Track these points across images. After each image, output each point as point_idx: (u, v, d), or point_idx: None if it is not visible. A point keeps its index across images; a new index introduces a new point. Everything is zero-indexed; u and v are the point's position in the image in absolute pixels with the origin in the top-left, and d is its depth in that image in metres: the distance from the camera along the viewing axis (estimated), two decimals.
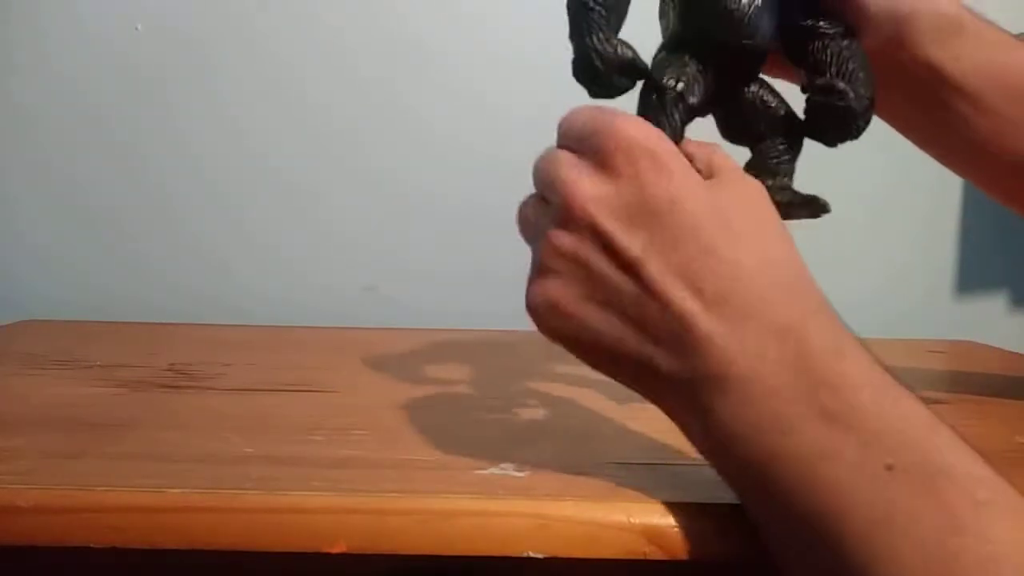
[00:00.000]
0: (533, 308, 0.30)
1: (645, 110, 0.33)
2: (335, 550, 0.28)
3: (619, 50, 0.32)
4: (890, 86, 0.37)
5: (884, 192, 0.79)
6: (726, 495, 0.29)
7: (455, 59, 0.77)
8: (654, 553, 0.28)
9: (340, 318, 0.76)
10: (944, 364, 0.67)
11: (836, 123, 0.33)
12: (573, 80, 0.35)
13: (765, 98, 0.35)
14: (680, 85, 0.32)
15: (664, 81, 0.32)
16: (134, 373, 0.52)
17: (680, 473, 0.32)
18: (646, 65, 0.33)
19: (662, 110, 0.32)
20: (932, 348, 0.71)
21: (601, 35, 0.32)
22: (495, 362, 0.57)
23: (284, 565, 0.30)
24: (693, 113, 0.33)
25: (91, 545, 0.28)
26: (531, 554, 0.28)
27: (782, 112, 0.35)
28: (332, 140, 0.78)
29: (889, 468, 0.23)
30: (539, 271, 0.29)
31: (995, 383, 0.55)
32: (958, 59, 0.37)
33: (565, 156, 0.29)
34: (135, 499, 0.29)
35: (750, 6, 0.32)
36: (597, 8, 0.32)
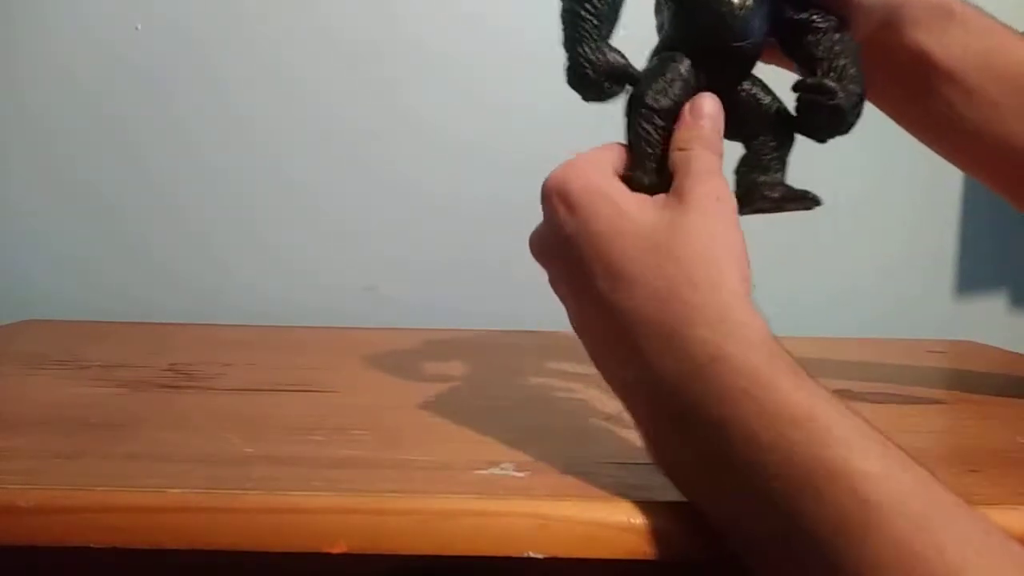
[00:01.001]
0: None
1: (627, 118, 0.34)
2: (335, 550, 0.28)
3: (610, 58, 0.33)
4: (881, 72, 0.37)
5: (883, 192, 0.79)
6: None
7: (457, 59, 0.77)
8: (654, 553, 0.28)
9: (340, 318, 0.76)
10: (944, 364, 0.67)
11: (825, 120, 0.34)
12: (569, 91, 0.35)
13: (758, 96, 0.35)
14: (650, 100, 0.33)
15: (638, 93, 0.33)
16: (134, 373, 0.52)
17: None
18: (636, 71, 0.34)
19: (636, 123, 0.33)
20: (932, 348, 0.71)
21: (593, 44, 0.33)
22: (495, 362, 0.57)
23: (284, 565, 0.30)
24: (675, 118, 0.34)
25: (91, 545, 0.28)
26: (531, 554, 0.28)
27: (774, 109, 0.35)
28: (333, 139, 0.78)
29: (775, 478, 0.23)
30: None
31: (995, 383, 0.55)
32: (947, 45, 0.37)
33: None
34: (135, 499, 0.29)
35: (741, 8, 0.32)
36: (589, 18, 0.33)
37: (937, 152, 0.43)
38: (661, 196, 0.31)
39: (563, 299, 0.33)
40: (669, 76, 0.33)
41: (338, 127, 0.78)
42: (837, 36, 0.34)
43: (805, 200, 0.36)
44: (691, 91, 0.34)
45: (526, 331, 0.71)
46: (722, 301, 0.27)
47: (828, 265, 0.78)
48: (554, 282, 0.33)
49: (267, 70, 0.77)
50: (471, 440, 0.37)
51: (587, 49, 0.33)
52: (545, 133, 0.74)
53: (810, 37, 0.34)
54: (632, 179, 0.32)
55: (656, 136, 0.33)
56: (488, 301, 0.77)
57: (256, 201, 0.78)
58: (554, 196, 0.31)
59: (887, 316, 0.78)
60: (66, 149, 0.78)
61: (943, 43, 0.37)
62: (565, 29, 0.34)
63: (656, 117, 0.33)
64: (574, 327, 0.32)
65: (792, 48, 0.36)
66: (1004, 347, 0.72)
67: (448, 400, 0.46)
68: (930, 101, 0.39)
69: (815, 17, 0.35)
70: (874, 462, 0.23)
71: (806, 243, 0.77)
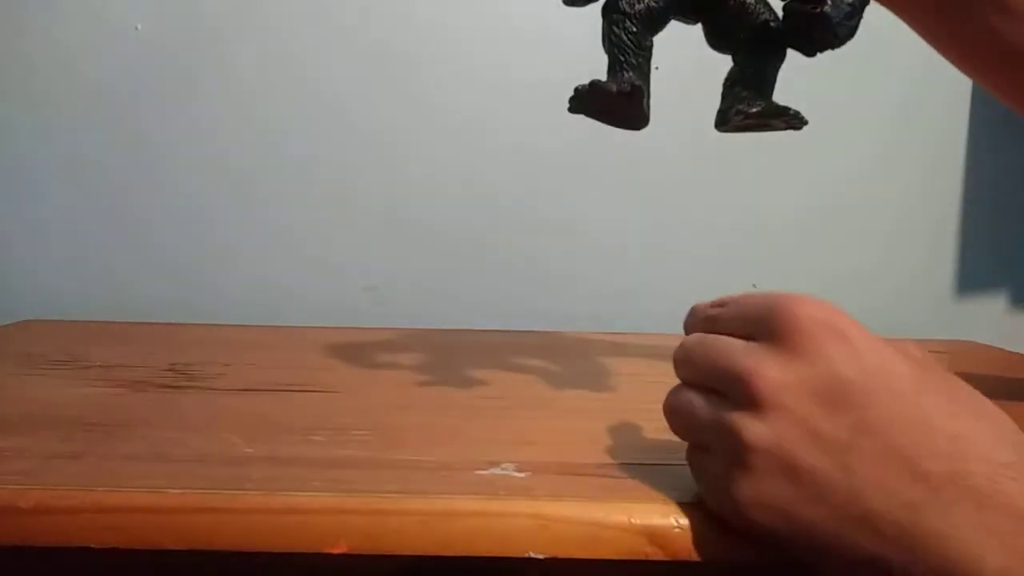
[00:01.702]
0: (744, 509, 0.26)
1: (603, 24, 0.33)
2: (335, 550, 0.28)
3: None
4: None
5: (883, 192, 0.79)
6: None
7: (457, 61, 0.77)
8: (655, 553, 0.28)
9: (340, 318, 0.76)
10: (944, 364, 0.67)
11: (813, 31, 0.32)
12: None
13: (747, 4, 0.34)
14: (625, 4, 0.32)
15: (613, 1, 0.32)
16: (134, 373, 0.52)
17: (680, 473, 0.32)
18: None
19: (610, 29, 0.32)
20: (932, 348, 0.71)
21: None
22: (495, 362, 0.57)
23: (284, 565, 0.30)
24: (654, 24, 0.32)
25: (91, 545, 0.28)
26: (531, 554, 0.28)
27: (762, 19, 0.34)
28: (333, 140, 0.78)
29: None
30: (741, 467, 0.26)
31: (995, 383, 0.55)
32: None
33: (735, 343, 0.28)
34: (135, 499, 0.29)
35: None
36: None
37: (965, 72, 0.41)
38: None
39: (832, 451, 0.25)
40: None
41: (339, 128, 0.78)
42: None
43: (787, 116, 0.34)
44: None
45: (526, 331, 0.71)
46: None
47: (827, 265, 0.78)
48: (832, 431, 0.25)
49: (268, 72, 0.77)
50: (471, 440, 0.37)
51: None
52: (546, 134, 0.75)
53: None
54: (602, 85, 0.31)
55: (628, 41, 0.31)
56: (489, 301, 0.77)
57: (256, 201, 0.78)
58: (827, 336, 0.26)
59: (887, 316, 0.78)
60: (67, 149, 0.78)
61: None
62: None
63: (629, 22, 0.31)
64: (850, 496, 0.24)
65: None
66: (1004, 347, 0.72)
67: (448, 400, 0.46)
68: (962, 18, 0.36)
69: None
70: None
71: (804, 243, 0.77)
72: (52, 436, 0.37)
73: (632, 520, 0.28)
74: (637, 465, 0.34)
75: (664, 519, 0.28)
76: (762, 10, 0.34)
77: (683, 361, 0.30)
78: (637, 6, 0.32)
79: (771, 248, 0.77)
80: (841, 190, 0.78)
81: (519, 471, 0.32)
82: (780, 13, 0.34)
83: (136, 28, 0.76)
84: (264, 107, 0.77)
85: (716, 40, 0.35)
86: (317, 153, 0.78)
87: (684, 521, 0.28)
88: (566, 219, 0.76)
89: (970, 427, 0.24)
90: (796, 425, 0.25)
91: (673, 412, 0.30)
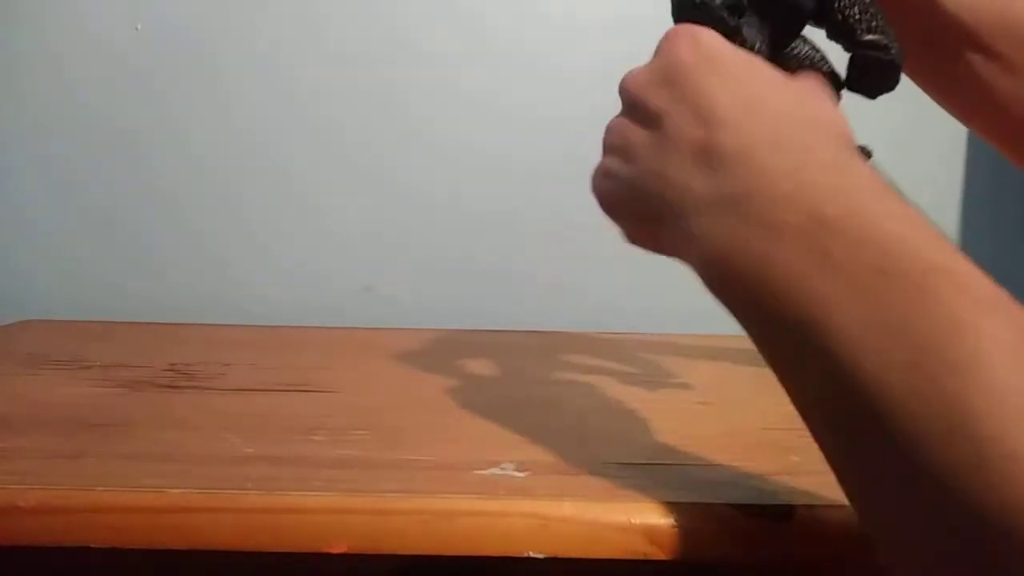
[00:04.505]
0: (593, 182, 0.33)
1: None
2: (336, 550, 0.28)
3: None
4: (901, 36, 0.36)
5: None
6: (726, 495, 0.29)
7: (455, 60, 0.77)
8: (654, 553, 0.28)
9: (340, 318, 0.76)
10: None
11: (881, 77, 0.34)
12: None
13: (810, 54, 0.35)
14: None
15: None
16: (134, 373, 0.52)
17: (680, 473, 0.32)
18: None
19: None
20: None
21: None
22: (495, 362, 0.57)
23: (284, 565, 0.30)
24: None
25: (91, 545, 0.28)
26: (531, 554, 0.28)
27: (825, 68, 0.35)
28: (332, 140, 0.78)
29: (880, 271, 0.23)
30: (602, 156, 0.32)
31: None
32: (963, 3, 0.36)
33: None
34: (135, 499, 0.29)
35: None
36: None
37: (951, 113, 0.41)
38: None
39: (650, 123, 0.29)
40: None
41: (338, 127, 0.78)
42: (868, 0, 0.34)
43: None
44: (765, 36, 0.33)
45: (526, 331, 0.71)
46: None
47: None
48: (644, 113, 0.30)
49: (266, 71, 0.77)
50: (471, 440, 0.37)
51: None
52: (545, 135, 0.75)
53: (842, 1, 0.34)
54: None
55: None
56: (488, 301, 0.77)
57: (256, 201, 0.78)
58: (682, 35, 0.29)
59: None
60: (66, 149, 0.78)
61: (961, 3, 0.36)
62: None
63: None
64: (652, 156, 0.29)
65: (825, 13, 0.35)
66: None
67: (448, 400, 0.46)
68: (944, 59, 0.37)
69: None
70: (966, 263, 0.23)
71: None
72: (52, 436, 0.37)
73: (631, 520, 0.28)
74: (637, 465, 0.34)
75: (664, 519, 0.28)
76: (821, 58, 0.35)
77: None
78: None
79: None
80: None
81: (519, 471, 0.32)
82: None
83: (136, 28, 0.76)
84: (265, 108, 0.77)
85: None
86: (316, 153, 0.78)
87: (683, 521, 0.28)
88: (567, 219, 0.76)
89: (771, 100, 0.28)
90: (632, 107, 0.30)
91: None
